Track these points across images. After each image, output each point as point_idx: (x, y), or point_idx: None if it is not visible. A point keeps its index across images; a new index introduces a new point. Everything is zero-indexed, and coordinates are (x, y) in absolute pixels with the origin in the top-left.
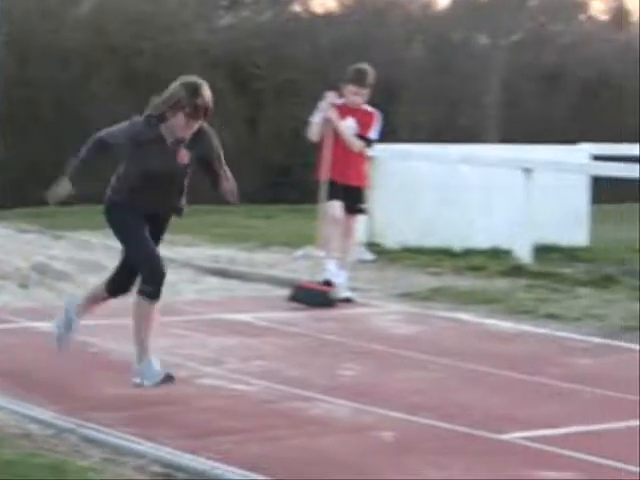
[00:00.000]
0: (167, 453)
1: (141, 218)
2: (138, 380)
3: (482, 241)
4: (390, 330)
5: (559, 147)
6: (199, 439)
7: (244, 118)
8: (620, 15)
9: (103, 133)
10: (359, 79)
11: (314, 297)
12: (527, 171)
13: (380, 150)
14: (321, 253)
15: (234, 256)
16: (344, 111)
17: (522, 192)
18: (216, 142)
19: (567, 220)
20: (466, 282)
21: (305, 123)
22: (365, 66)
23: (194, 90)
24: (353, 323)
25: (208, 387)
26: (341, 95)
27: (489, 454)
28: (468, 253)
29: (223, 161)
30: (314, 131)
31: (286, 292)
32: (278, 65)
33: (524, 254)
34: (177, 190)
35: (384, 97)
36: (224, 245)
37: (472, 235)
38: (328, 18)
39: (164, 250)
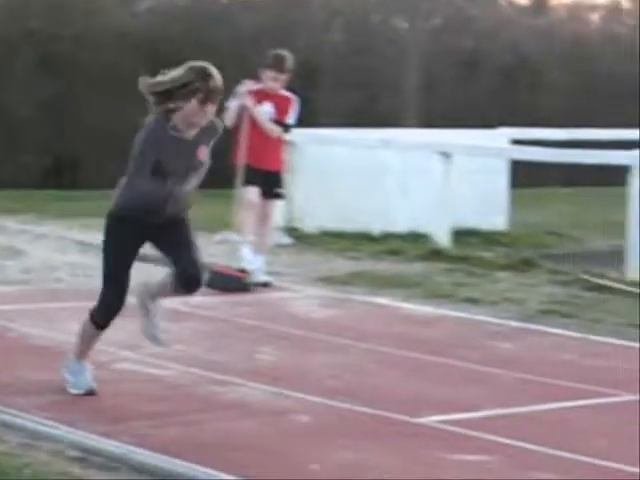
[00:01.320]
0: (84, 437)
1: (139, 241)
2: (66, 376)
3: (401, 225)
4: (308, 314)
5: (478, 131)
6: (116, 423)
7: None
8: (540, 0)
9: (137, 178)
10: (277, 65)
11: (229, 282)
12: (446, 155)
13: (299, 135)
14: (239, 238)
15: None
16: (262, 96)
17: (441, 176)
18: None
19: (486, 204)
20: (385, 266)
21: (223, 108)
22: (283, 52)
23: (206, 73)
24: (271, 307)
25: (126, 371)
26: (260, 80)
27: (405, 437)
28: (387, 237)
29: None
30: (230, 116)
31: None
32: (197, 50)
33: (443, 238)
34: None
35: (304, 82)
36: None
37: (391, 219)
38: (248, 2)
39: (80, 234)
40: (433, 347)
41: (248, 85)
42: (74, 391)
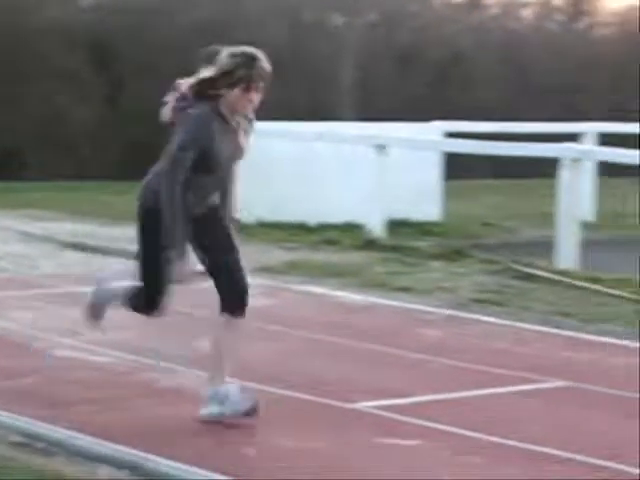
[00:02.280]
0: (25, 423)
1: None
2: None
3: (337, 216)
4: None
5: (412, 125)
6: (57, 409)
7: (104, 96)
8: None
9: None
10: (213, 60)
11: None
12: (380, 148)
13: None
14: None
15: (94, 231)
16: None
17: (375, 168)
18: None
19: (419, 195)
20: (320, 256)
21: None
22: (221, 48)
23: (250, 59)
24: (209, 296)
25: (66, 358)
26: None
27: (340, 423)
28: (323, 228)
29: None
30: (165, 111)
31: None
32: (139, 45)
33: (377, 229)
34: (230, 181)
35: None
36: (84, 220)
37: (327, 210)
38: None
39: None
40: (367, 335)
41: (184, 83)
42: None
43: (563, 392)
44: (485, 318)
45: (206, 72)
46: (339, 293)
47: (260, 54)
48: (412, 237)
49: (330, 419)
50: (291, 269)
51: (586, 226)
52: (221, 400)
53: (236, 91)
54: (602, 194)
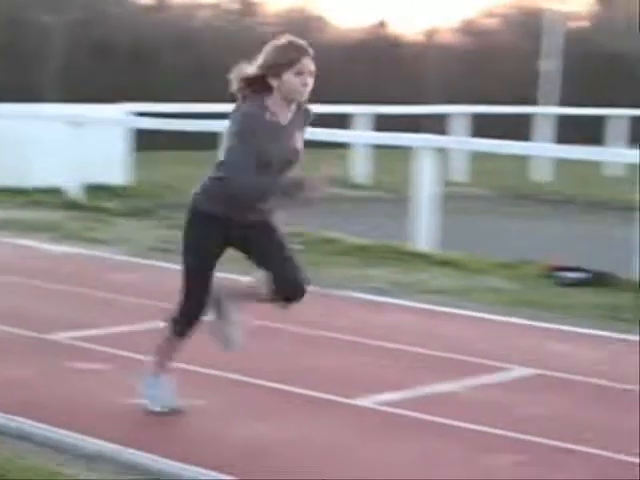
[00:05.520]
0: None
1: (224, 244)
2: (145, 391)
3: (43, 182)
4: None
5: (108, 105)
6: None
7: None
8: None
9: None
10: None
11: None
12: (79, 124)
13: None
14: None
15: None
16: None
17: (73, 142)
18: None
19: (113, 164)
20: (28, 215)
21: None
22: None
23: (295, 47)
24: None
25: None
26: None
27: (40, 351)
28: (30, 192)
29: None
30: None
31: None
32: None
33: (76, 192)
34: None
35: None
36: None
37: (34, 177)
38: None
39: None
40: (66, 278)
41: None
42: (153, 408)
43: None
44: (162, 264)
45: (250, 68)
46: (45, 245)
47: (301, 42)
48: (106, 199)
49: (30, 348)
50: (5, 225)
51: None
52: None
53: (288, 76)
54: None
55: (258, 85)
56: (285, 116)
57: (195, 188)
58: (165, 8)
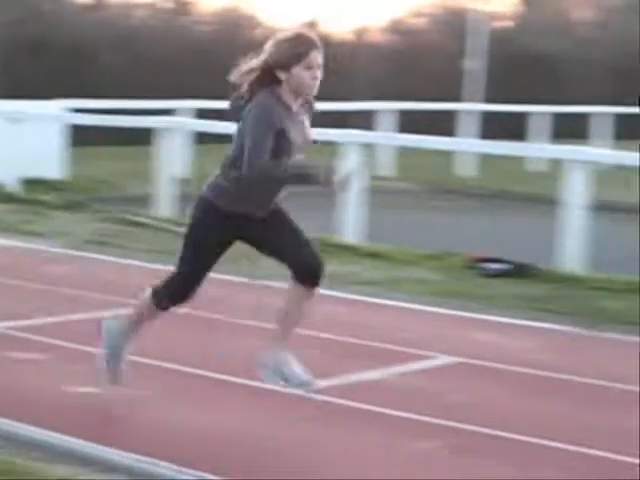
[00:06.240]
0: None
1: (232, 239)
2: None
3: None
4: None
5: (45, 102)
6: None
7: None
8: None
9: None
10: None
11: None
12: (15, 120)
13: None
14: None
15: None
16: None
17: (11, 137)
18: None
19: (50, 159)
20: None
21: None
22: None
23: (305, 39)
24: None
25: None
26: None
27: None
28: None
29: None
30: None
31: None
32: None
33: (14, 185)
34: None
35: None
36: None
37: None
38: None
39: None
40: (4, 271)
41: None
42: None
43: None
44: (97, 256)
45: (257, 61)
46: None
47: (311, 34)
48: (43, 192)
49: None
50: None
51: (183, 183)
52: (278, 367)
53: (298, 70)
54: (199, 156)
55: (266, 79)
56: (294, 106)
57: (207, 186)
58: (103, 7)
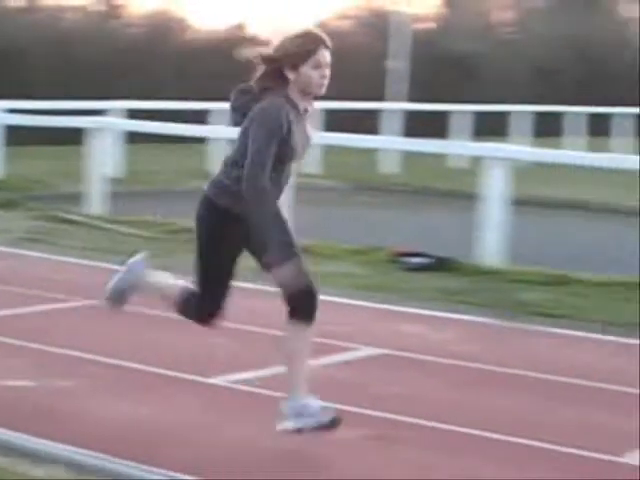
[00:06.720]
0: None
1: (236, 236)
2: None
3: None
4: None
5: None
6: None
7: None
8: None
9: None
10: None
11: None
12: None
13: None
14: None
15: None
16: None
17: None
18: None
19: None
20: None
21: None
22: None
23: (313, 37)
24: None
25: None
26: None
27: None
28: None
29: None
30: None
31: None
32: None
33: None
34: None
35: None
36: None
37: None
38: None
39: None
40: None
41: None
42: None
43: (85, 310)
44: (31, 253)
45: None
46: None
47: (319, 32)
48: None
49: None
50: None
51: (115, 181)
52: (298, 413)
53: (307, 70)
54: (130, 156)
55: (274, 79)
56: (302, 106)
57: (210, 183)
58: (35, 10)
